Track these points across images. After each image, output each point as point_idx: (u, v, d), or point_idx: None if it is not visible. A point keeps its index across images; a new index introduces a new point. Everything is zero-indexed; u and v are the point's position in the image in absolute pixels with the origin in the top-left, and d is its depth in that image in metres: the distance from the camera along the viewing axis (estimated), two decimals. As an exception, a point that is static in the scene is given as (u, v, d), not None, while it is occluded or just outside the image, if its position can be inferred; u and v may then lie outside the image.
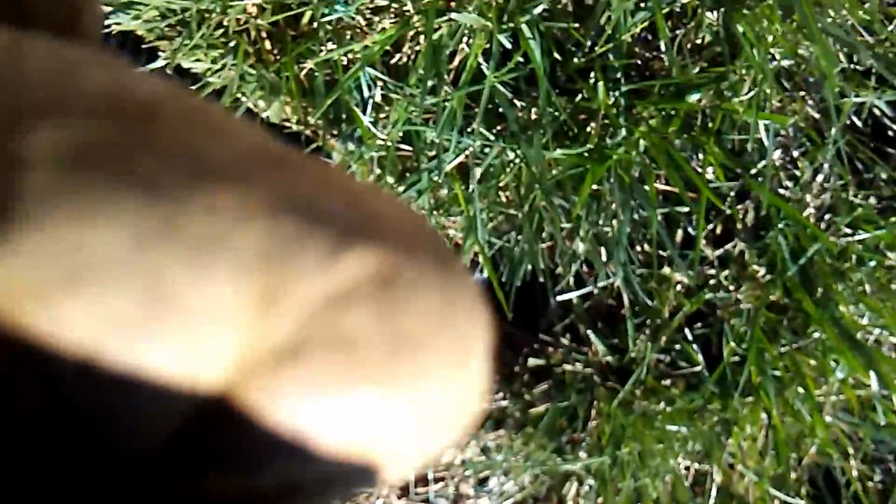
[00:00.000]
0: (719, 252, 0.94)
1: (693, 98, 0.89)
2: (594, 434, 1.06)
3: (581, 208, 0.86)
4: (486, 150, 0.89)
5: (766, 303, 0.94)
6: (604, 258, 0.99)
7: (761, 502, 1.07)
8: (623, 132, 0.81)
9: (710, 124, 0.87)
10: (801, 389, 0.99)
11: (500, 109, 0.86)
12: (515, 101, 0.87)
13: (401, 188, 0.90)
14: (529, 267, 0.98)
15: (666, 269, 0.98)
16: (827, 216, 0.94)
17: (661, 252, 0.96)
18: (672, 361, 1.01)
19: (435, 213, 0.96)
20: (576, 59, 0.85)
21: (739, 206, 0.95)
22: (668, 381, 1.01)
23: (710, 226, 0.96)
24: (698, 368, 1.01)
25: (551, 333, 1.10)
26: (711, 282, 0.96)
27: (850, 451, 1.05)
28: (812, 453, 1.09)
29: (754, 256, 0.96)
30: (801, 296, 0.93)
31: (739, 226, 0.94)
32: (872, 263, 0.92)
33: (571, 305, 1.06)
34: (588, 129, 0.85)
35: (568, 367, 1.05)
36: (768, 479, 1.05)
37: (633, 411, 1.00)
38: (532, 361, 1.09)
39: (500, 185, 0.92)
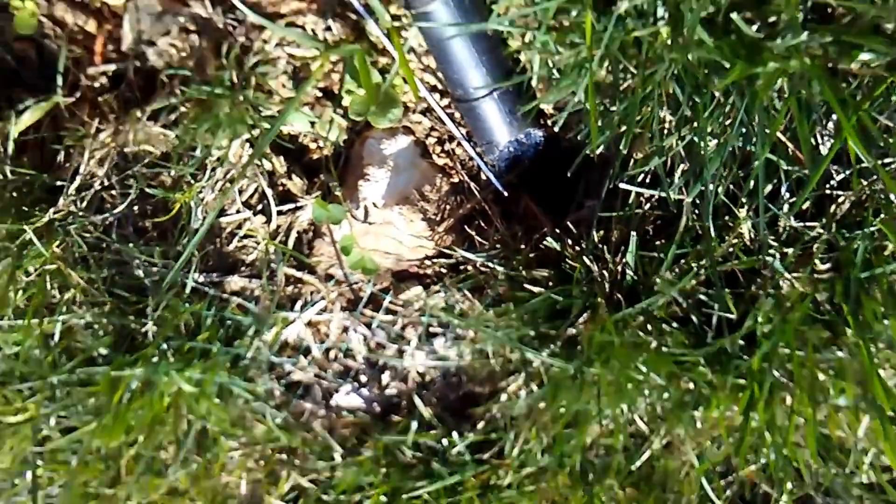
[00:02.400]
0: (797, 224, 0.88)
1: (864, 56, 0.81)
2: (568, 340, 1.02)
3: (706, 98, 0.79)
4: (640, -7, 0.81)
5: (811, 297, 0.89)
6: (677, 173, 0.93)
7: (688, 485, 1.04)
8: (798, 37, 0.73)
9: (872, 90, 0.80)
10: (790, 400, 0.95)
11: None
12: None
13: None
14: (605, 144, 0.91)
15: (731, 218, 0.92)
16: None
17: (736, 193, 0.90)
18: (686, 311, 0.96)
19: (553, 31, 0.87)
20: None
21: (840, 193, 0.89)
22: (669, 326, 0.96)
23: (795, 198, 0.89)
24: (707, 329, 0.96)
25: (580, 229, 1.04)
26: (771, 251, 0.90)
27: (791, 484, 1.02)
28: (751, 470, 1.06)
29: (823, 247, 0.90)
30: (847, 307, 0.88)
31: (832, 210, 0.87)
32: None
33: (615, 205, 0.99)
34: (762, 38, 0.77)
35: (580, 262, 0.99)
36: (705, 468, 1.02)
37: (624, 336, 0.95)
38: (546, 243, 1.03)
39: (635, 35, 0.84)
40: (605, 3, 0.90)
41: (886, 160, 0.84)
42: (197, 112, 1.14)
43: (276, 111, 1.14)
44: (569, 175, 0.92)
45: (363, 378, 1.23)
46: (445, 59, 0.99)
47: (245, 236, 1.21)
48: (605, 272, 0.98)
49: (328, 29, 1.11)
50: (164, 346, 1.17)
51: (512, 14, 0.92)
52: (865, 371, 0.87)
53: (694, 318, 0.96)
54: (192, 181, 1.17)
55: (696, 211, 0.93)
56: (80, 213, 1.19)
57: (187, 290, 1.19)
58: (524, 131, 1.04)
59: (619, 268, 0.98)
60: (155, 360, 1.16)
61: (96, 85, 1.21)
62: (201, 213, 1.18)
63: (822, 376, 0.93)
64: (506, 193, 1.09)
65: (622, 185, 0.92)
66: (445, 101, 1.10)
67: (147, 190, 1.18)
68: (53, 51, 1.19)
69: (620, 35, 0.86)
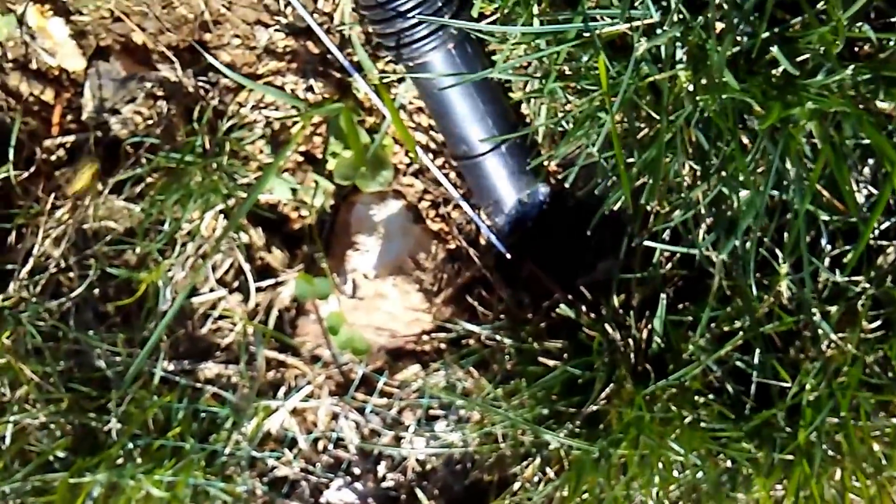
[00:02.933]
0: (841, 279, 0.81)
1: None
2: (589, 418, 0.92)
3: (735, 144, 0.72)
4: (660, 30, 0.75)
5: (861, 360, 0.81)
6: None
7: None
8: (840, 73, 0.67)
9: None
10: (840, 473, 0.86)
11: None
12: None
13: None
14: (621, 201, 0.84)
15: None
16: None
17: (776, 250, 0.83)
18: (721, 381, 0.88)
19: (565, 77, 0.81)
20: None
21: (886, 243, 0.82)
22: (704, 398, 0.88)
23: (840, 249, 0.83)
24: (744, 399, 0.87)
25: (594, 294, 0.96)
26: (814, 311, 0.82)
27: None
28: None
29: (869, 303, 0.83)
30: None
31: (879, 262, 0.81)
32: None
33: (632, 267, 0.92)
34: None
35: (599, 330, 0.90)
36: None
37: (654, 411, 0.86)
38: (559, 311, 0.95)
39: (651, 80, 0.77)
40: (613, 49, 0.84)
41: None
42: (165, 182, 1.05)
43: (253, 179, 1.05)
44: (588, 233, 0.84)
45: (356, 470, 1.13)
46: (445, 112, 0.91)
47: (220, 317, 1.11)
48: (629, 340, 0.90)
49: (309, 89, 1.04)
50: (130, 445, 1.06)
51: (515, 61, 0.85)
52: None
53: (729, 388, 0.88)
54: (160, 259, 1.07)
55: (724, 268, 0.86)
56: (34, 300, 1.09)
57: (155, 381, 1.08)
58: (531, 188, 0.96)
59: (644, 335, 0.90)
60: (120, 461, 1.05)
61: (53, 158, 1.12)
62: (170, 294, 1.08)
63: (875, 446, 0.85)
64: (509, 256, 1.01)
65: (647, 243, 0.84)
66: (440, 161, 1.03)
67: (109, 270, 1.08)
68: (6, 124, 1.10)
69: (635, 81, 0.80)
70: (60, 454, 1.06)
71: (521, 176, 0.94)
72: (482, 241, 1.04)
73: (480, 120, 0.90)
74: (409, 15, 0.82)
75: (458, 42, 0.86)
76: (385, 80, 0.99)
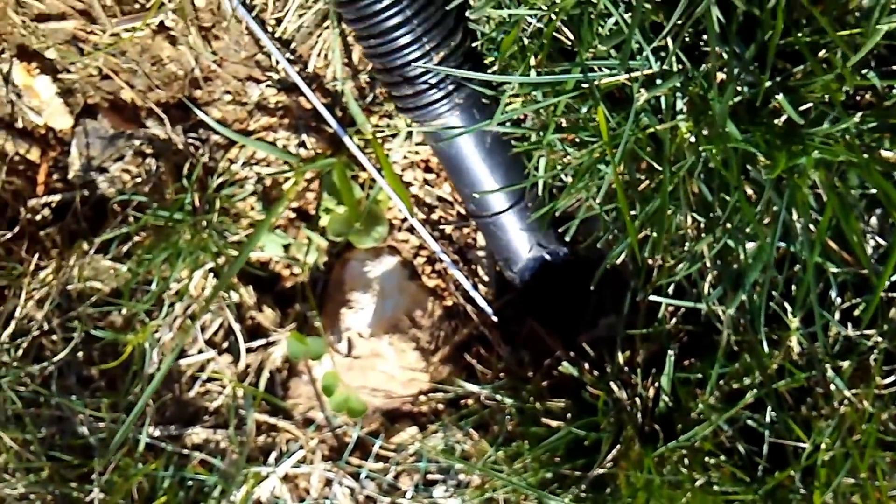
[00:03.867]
0: (853, 333, 0.78)
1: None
2: (595, 482, 0.88)
3: (740, 195, 0.70)
4: (660, 80, 0.74)
5: (878, 417, 0.78)
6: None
7: None
8: (847, 121, 0.66)
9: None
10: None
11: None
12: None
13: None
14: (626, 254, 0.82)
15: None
16: None
17: (785, 303, 0.80)
18: (731, 441, 0.84)
19: (563, 129, 0.79)
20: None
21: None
22: (716, 459, 0.84)
23: (850, 302, 0.80)
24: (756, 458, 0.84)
25: (596, 352, 0.93)
26: (826, 366, 0.79)
27: None
28: None
29: (881, 359, 0.80)
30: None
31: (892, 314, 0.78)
32: None
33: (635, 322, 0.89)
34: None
35: (603, 388, 0.87)
36: None
37: (663, 473, 0.82)
38: (562, 369, 0.92)
39: (653, 130, 0.76)
40: (612, 101, 0.83)
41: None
42: (153, 241, 1.03)
43: (244, 236, 1.03)
44: (592, 288, 0.81)
45: (350, 540, 1.07)
46: (454, 171, 0.90)
47: (209, 380, 1.07)
48: (635, 399, 0.86)
49: (302, 144, 1.02)
50: (114, 515, 1.00)
51: (512, 113, 0.83)
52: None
53: (741, 449, 0.84)
54: (147, 320, 1.04)
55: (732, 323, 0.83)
56: (15, 364, 1.05)
57: (140, 448, 1.03)
58: (544, 248, 0.94)
59: (651, 393, 0.87)
60: (102, 533, 0.99)
61: (38, 218, 1.09)
62: (157, 356, 1.04)
63: (896, 508, 0.81)
64: (495, 319, 0.98)
65: (652, 297, 0.82)
66: (436, 215, 1.01)
67: (94, 333, 1.04)
68: (-10, 184, 1.08)
69: (635, 132, 0.78)
70: (39, 527, 1.01)
71: (533, 235, 0.92)
72: (480, 298, 1.01)
73: (488, 180, 0.88)
74: (419, 80, 0.81)
75: (467, 107, 0.84)
76: (379, 135, 0.98)
